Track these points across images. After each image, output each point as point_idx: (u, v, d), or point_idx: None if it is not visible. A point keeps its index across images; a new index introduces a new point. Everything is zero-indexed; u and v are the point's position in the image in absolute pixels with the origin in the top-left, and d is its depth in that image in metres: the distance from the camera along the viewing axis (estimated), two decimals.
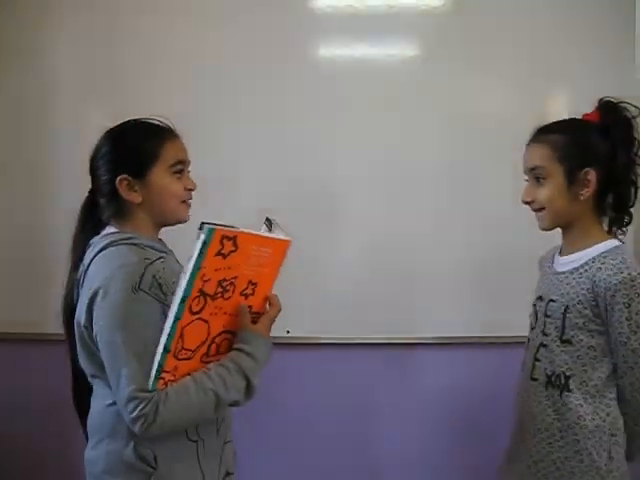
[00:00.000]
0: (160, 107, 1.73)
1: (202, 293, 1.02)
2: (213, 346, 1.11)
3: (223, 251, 1.01)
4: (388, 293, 1.96)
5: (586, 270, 1.23)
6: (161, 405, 1.03)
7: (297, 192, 1.93)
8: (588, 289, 1.22)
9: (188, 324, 1.03)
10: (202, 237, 0.98)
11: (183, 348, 1.04)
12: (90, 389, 1.20)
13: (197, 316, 1.04)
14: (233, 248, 1.02)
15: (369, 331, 1.97)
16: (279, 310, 1.17)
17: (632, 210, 1.28)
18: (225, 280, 1.05)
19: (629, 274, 1.18)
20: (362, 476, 2.05)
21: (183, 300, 1.00)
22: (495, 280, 1.94)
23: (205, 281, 1.01)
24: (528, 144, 1.30)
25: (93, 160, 1.22)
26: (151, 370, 1.02)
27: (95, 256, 1.14)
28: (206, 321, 1.06)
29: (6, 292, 1.97)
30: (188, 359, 1.06)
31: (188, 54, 1.92)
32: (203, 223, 1.00)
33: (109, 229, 1.19)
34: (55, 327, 1.25)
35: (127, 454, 1.10)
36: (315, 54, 1.97)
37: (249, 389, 1.12)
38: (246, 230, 1.05)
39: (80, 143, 1.81)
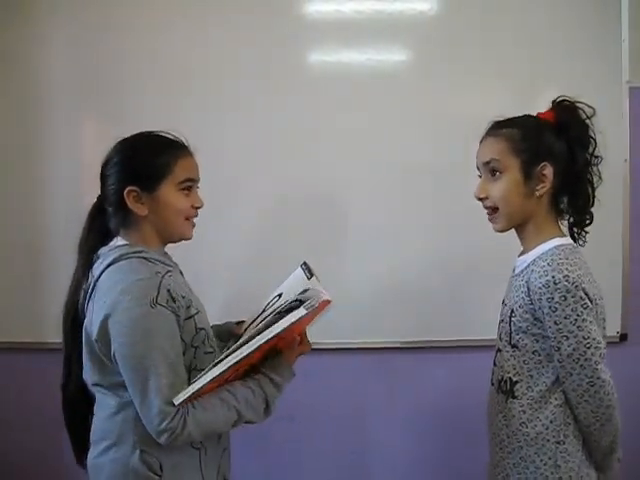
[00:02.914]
0: (158, 108, 1.84)
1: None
2: (235, 374, 1.16)
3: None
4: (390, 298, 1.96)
5: (526, 273, 1.20)
6: (189, 418, 1.07)
7: (296, 194, 1.93)
8: (525, 292, 1.19)
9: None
10: (303, 312, 1.02)
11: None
12: (83, 400, 1.22)
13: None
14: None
15: (369, 335, 1.96)
16: (309, 350, 1.27)
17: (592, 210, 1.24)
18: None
19: (552, 277, 1.12)
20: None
21: (255, 350, 1.04)
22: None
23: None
24: (483, 138, 1.27)
25: (104, 168, 1.22)
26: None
27: (106, 269, 1.14)
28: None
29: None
30: (218, 383, 1.12)
31: (183, 56, 1.90)
32: (304, 262, 1.12)
33: (118, 241, 1.19)
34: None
35: (133, 461, 1.12)
36: (301, 59, 1.95)
37: (266, 411, 1.19)
38: (324, 297, 1.06)
39: (76, 144, 1.91)
